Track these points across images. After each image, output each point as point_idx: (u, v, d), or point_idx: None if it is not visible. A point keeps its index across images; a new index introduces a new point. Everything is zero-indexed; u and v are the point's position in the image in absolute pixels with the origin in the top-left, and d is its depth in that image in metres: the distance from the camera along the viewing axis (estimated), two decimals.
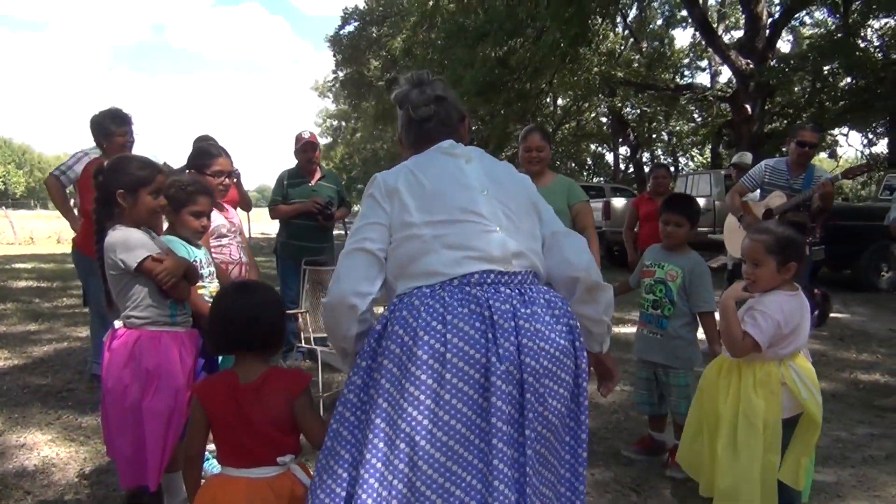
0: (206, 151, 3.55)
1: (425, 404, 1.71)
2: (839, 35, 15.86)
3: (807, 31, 23.33)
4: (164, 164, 4.47)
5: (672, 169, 29.24)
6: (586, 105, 27.78)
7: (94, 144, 4.57)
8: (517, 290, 1.84)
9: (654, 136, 29.95)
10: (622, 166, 32.01)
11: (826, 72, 15.88)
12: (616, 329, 7.30)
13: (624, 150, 31.10)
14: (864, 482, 3.46)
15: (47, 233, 23.07)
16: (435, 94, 2.05)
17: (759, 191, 5.25)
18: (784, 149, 16.03)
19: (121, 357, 2.60)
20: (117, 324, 2.69)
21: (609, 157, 35.45)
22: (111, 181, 2.63)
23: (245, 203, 5.52)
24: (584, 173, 36.73)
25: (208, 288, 3.07)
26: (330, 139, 55.52)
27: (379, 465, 1.72)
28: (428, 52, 21.13)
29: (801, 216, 4.68)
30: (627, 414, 4.47)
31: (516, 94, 19.85)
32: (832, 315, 8.26)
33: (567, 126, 31.21)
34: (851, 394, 5.05)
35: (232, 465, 2.01)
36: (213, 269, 3.11)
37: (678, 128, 28.79)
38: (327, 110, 52.41)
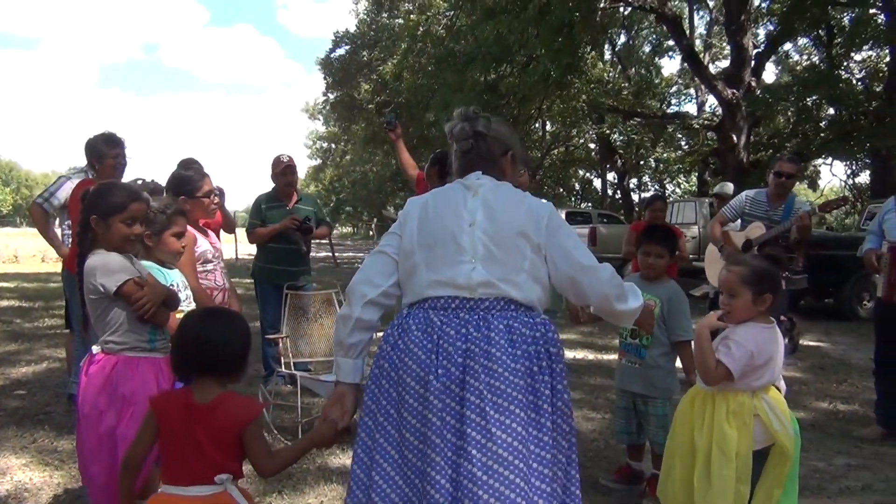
0: (189, 177, 3.59)
1: (393, 417, 2.09)
2: (822, 67, 16.13)
3: (792, 61, 23.70)
4: (152, 181, 4.49)
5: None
6: (574, 131, 28.03)
7: (80, 167, 4.63)
8: (478, 316, 2.08)
9: (641, 162, 30.21)
10: (609, 192, 32.23)
11: (809, 103, 16.11)
12: (600, 356, 7.32)
13: (612, 177, 31.35)
14: None
15: (32, 251, 22.88)
16: (475, 129, 2.25)
17: (739, 221, 5.30)
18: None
19: (97, 382, 2.59)
20: (95, 349, 2.68)
21: (597, 183, 35.70)
22: (88, 206, 2.64)
23: (228, 225, 5.51)
24: (572, 199, 36.94)
25: (186, 311, 3.07)
26: (319, 161, 55.66)
27: (384, 463, 2.08)
28: (418, 77, 21.30)
29: (777, 249, 4.73)
30: (608, 442, 4.47)
31: (505, 121, 19.99)
32: (813, 344, 8.38)
33: (556, 152, 31.43)
34: (830, 424, 5.07)
35: (171, 482, 2.03)
36: (189, 292, 3.11)
37: (665, 155, 29.05)
38: (317, 132, 52.59)
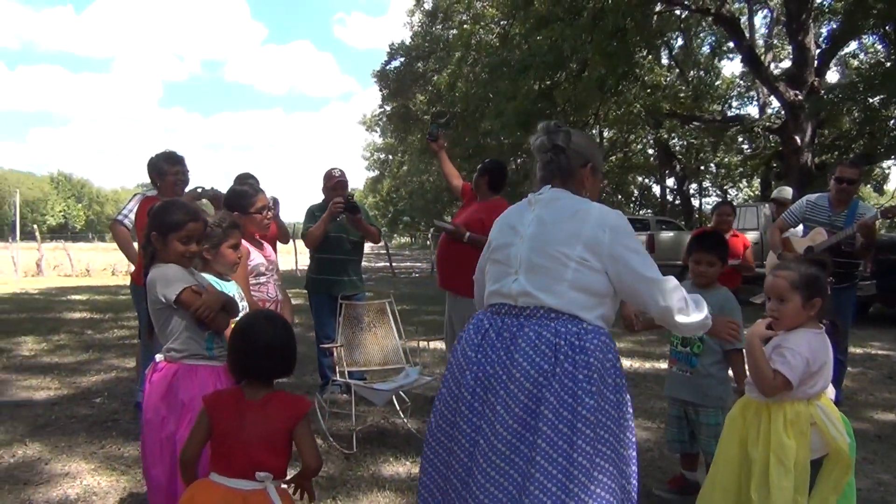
0: (244, 192, 3.71)
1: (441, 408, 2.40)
2: (889, 65, 15.57)
3: (856, 62, 22.95)
4: (212, 188, 4.66)
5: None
6: (632, 137, 27.69)
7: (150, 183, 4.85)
8: (518, 322, 2.26)
9: (701, 167, 29.64)
10: (669, 198, 31.69)
11: (876, 103, 15.55)
12: (656, 364, 7.21)
13: (671, 182, 30.84)
14: None
15: (103, 265, 23.80)
16: (553, 143, 2.39)
17: (801, 226, 5.17)
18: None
19: (159, 389, 2.72)
20: (158, 357, 2.81)
21: (656, 189, 35.15)
22: (151, 222, 2.78)
23: (284, 236, 5.65)
24: (631, 205, 36.46)
25: None
26: (377, 172, 56.32)
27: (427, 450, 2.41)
28: (472, 86, 21.39)
29: (823, 254, 4.62)
30: (662, 452, 4.42)
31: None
32: (882, 352, 8.09)
33: (613, 158, 31.11)
34: None
35: (217, 471, 2.17)
36: (245, 303, 3.22)
37: (726, 159, 28.43)
38: (374, 144, 53.30)
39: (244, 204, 3.65)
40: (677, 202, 29.67)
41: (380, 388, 4.59)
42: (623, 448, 2.20)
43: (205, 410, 2.23)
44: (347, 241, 5.48)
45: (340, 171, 5.51)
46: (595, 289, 2.24)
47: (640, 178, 36.19)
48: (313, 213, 5.54)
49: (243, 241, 3.50)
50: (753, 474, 2.55)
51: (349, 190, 5.41)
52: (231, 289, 3.16)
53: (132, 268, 5.02)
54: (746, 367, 2.73)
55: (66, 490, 3.67)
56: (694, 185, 30.83)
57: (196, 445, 2.25)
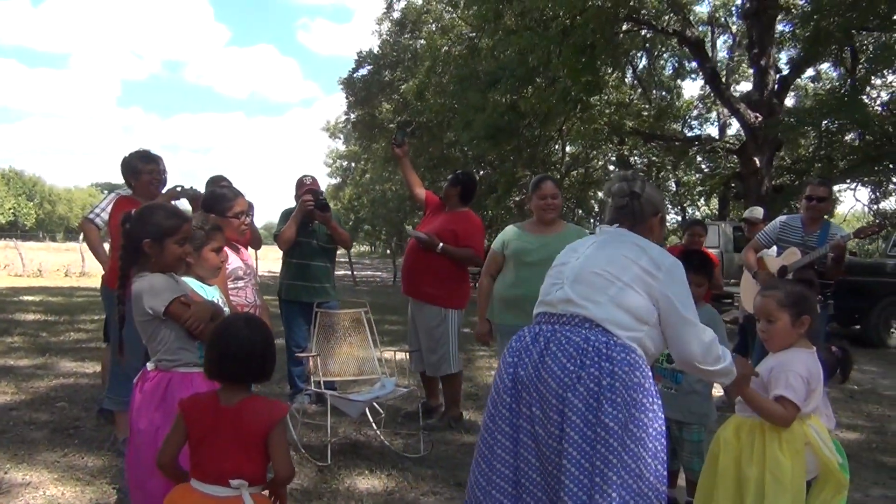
0: (223, 195, 3.61)
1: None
2: (845, 90, 16.01)
3: (813, 87, 23.59)
4: (192, 188, 4.53)
5: (680, 219, 29.34)
6: (595, 153, 27.97)
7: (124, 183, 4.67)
8: (552, 328, 2.35)
9: (661, 185, 30.07)
10: None
11: (833, 127, 15.98)
12: None
13: None
14: None
15: (55, 265, 23.14)
16: (632, 189, 2.55)
17: (775, 247, 5.26)
18: (795, 203, 16.06)
19: (152, 398, 2.62)
20: (149, 366, 2.71)
21: None
22: (139, 230, 2.67)
23: (256, 240, 5.53)
24: (591, 220, 36.82)
25: None
26: (339, 179, 55.87)
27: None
28: (440, 97, 21.38)
29: (808, 273, 4.69)
30: None
31: (526, 141, 20.02)
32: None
33: (575, 173, 31.38)
34: (863, 454, 4.98)
35: (195, 477, 2.13)
36: (227, 309, 3.13)
37: (686, 178, 28.90)
38: (337, 151, 52.88)
39: (222, 207, 3.55)
40: None
41: (355, 399, 4.51)
42: (644, 466, 2.20)
43: (180, 416, 2.18)
44: (318, 246, 5.39)
45: (312, 177, 5.44)
46: (636, 311, 2.33)
47: (600, 194, 36.56)
48: (287, 216, 5.45)
49: None
50: (748, 493, 2.54)
51: (323, 195, 5.31)
52: (214, 294, 3.07)
53: (87, 269, 4.84)
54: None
55: (29, 501, 3.51)
56: None
57: (172, 449, 2.20)
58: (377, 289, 22.27)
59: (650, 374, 2.33)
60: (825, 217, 5.11)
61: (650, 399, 2.27)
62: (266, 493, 2.22)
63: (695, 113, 27.81)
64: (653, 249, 2.45)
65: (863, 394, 7.09)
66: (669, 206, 32.84)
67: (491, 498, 2.32)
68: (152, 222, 2.66)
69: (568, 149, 29.32)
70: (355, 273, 24.29)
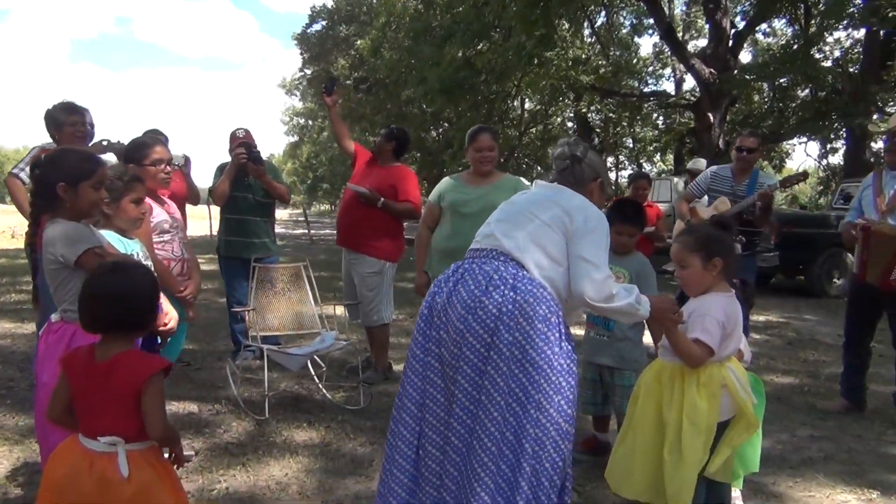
0: (141, 143, 3.50)
1: None
2: (797, 46, 16.16)
3: (768, 42, 23.75)
4: (118, 141, 4.38)
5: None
6: (553, 109, 27.94)
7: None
8: (472, 261, 2.45)
9: (618, 141, 30.24)
10: None
11: (784, 83, 16.15)
12: (573, 331, 7.28)
13: None
14: (801, 483, 3.52)
15: (1, 227, 22.48)
16: (573, 153, 2.65)
17: (706, 197, 5.33)
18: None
19: (56, 350, 2.53)
20: (54, 317, 2.63)
21: None
22: (50, 174, 2.55)
23: (194, 196, 5.42)
24: (551, 177, 36.92)
25: None
26: (296, 137, 55.06)
27: None
28: (395, 52, 21.09)
29: (725, 217, 4.82)
30: (577, 415, 4.48)
31: (482, 97, 19.89)
32: (783, 320, 8.46)
33: (534, 130, 31.35)
34: (795, 397, 5.13)
35: (81, 432, 2.08)
36: (150, 262, 3.05)
37: (642, 134, 29.09)
38: (294, 108, 51.95)
39: (140, 155, 3.43)
40: None
41: (294, 353, 4.49)
42: (545, 397, 2.26)
43: (63, 370, 2.12)
44: (254, 201, 5.29)
45: (245, 130, 5.29)
46: (550, 250, 2.41)
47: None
48: (222, 171, 5.33)
49: (146, 198, 3.32)
50: (667, 437, 2.58)
51: (256, 148, 5.19)
52: (135, 247, 3.00)
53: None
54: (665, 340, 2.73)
55: None
56: (611, 159, 31.41)
57: (58, 404, 2.13)
58: (334, 248, 22.06)
59: (560, 311, 2.36)
60: (754, 167, 5.18)
61: (556, 334, 2.30)
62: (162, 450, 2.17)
63: (651, 69, 27.85)
64: (579, 199, 2.53)
65: (802, 341, 7.28)
66: (626, 162, 33.10)
67: (401, 420, 2.43)
68: (65, 166, 2.55)
69: (527, 105, 29.25)
70: (312, 232, 24.06)
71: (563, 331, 2.35)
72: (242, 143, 5.16)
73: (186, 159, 5.19)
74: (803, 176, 5.66)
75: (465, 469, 2.24)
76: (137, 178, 3.07)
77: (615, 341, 3.57)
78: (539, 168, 35.67)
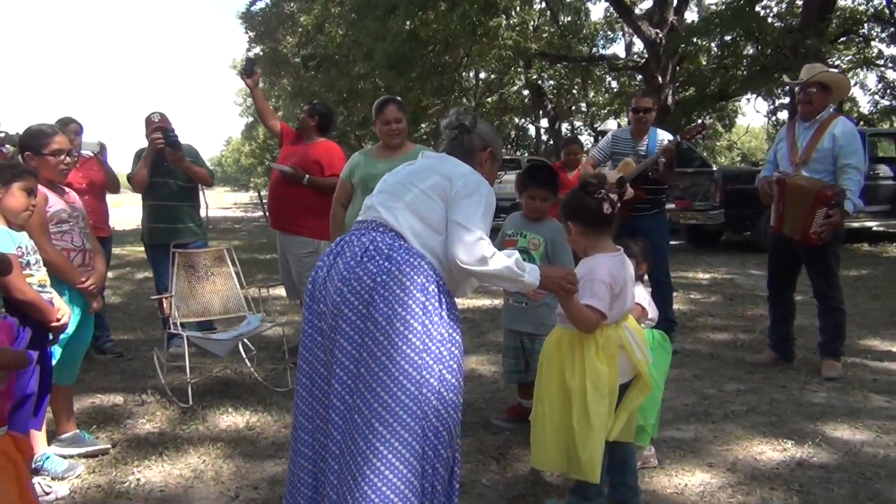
0: (38, 131, 3.35)
1: None
2: (740, 2, 16.22)
3: (712, 1, 23.81)
4: (16, 133, 4.19)
5: (593, 139, 29.59)
6: (507, 78, 27.78)
7: None
8: (352, 234, 2.41)
9: (572, 107, 30.24)
10: (544, 138, 32.19)
11: (729, 40, 16.23)
12: (487, 300, 7.25)
13: (545, 123, 31.31)
14: (721, 437, 3.56)
15: None
16: (461, 122, 2.58)
17: (610, 161, 5.35)
18: (695, 116, 16.27)
19: None
20: None
21: (532, 131, 35.63)
22: None
23: (112, 185, 5.27)
24: (508, 147, 36.89)
25: (36, 276, 2.93)
26: (251, 119, 54.09)
27: None
28: (340, 27, 20.72)
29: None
30: (505, 384, 4.49)
31: (432, 68, 19.68)
32: (727, 276, 8.57)
33: (490, 100, 31.17)
34: (728, 352, 5.21)
35: None
36: (38, 255, 2.95)
37: (596, 98, 29.10)
38: (246, 89, 51.04)
39: (37, 144, 3.29)
40: (551, 142, 30.21)
41: (218, 338, 4.41)
42: (426, 368, 2.22)
43: None
44: (176, 186, 5.16)
45: (160, 114, 5.14)
46: (430, 218, 2.35)
47: (516, 120, 36.52)
48: (140, 157, 5.19)
49: (41, 187, 3.20)
50: (573, 405, 2.56)
51: (174, 132, 5.05)
52: (20, 240, 2.88)
53: None
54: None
55: None
56: (566, 125, 31.45)
57: None
58: None
59: (440, 281, 2.32)
60: (650, 126, 5.21)
61: (435, 304, 2.26)
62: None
63: (601, 33, 27.79)
64: (464, 167, 2.48)
65: (743, 297, 7.38)
66: (582, 127, 33.17)
67: (297, 398, 2.42)
68: None
69: (482, 75, 29.04)
70: (269, 214, 23.80)
71: (444, 300, 2.30)
72: (159, 128, 5.02)
73: (102, 146, 5.03)
74: (701, 127, 5.74)
75: (349, 445, 2.20)
76: (26, 169, 2.95)
77: (533, 308, 3.55)
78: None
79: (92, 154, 5.02)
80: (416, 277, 2.24)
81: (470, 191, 2.36)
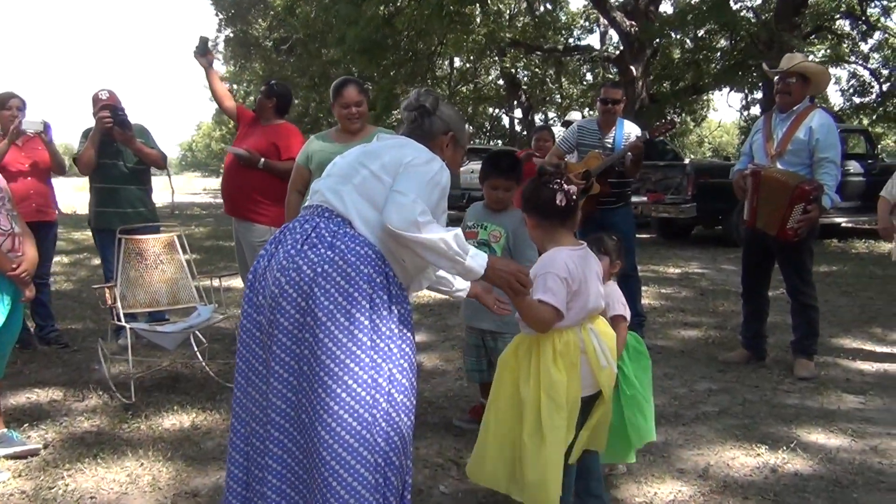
0: None
1: None
2: None
3: None
4: None
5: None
6: (481, 67, 27.57)
7: None
8: (297, 220, 2.21)
9: (546, 98, 30.10)
10: (518, 129, 32.03)
11: (701, 34, 16.18)
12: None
13: (519, 113, 31.15)
14: (692, 440, 3.40)
15: None
16: (420, 104, 2.36)
17: (576, 153, 5.18)
18: (668, 109, 16.23)
19: None
20: None
21: (506, 121, 35.48)
22: None
23: (58, 166, 4.98)
24: (482, 136, 36.71)
25: None
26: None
27: None
28: (312, 10, 20.32)
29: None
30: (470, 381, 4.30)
31: (405, 55, 19.39)
32: (698, 271, 8.47)
33: (465, 89, 30.94)
34: (699, 349, 5.06)
35: None
36: None
37: (570, 90, 28.99)
38: (219, 73, 50.27)
39: None
40: (525, 133, 30.06)
41: (165, 331, 4.16)
42: (373, 367, 2.04)
43: None
44: (126, 168, 4.88)
45: (109, 91, 4.84)
46: (379, 201, 2.12)
47: (490, 110, 36.32)
48: (87, 136, 4.90)
49: None
50: (525, 417, 2.28)
51: (123, 111, 4.77)
52: None
53: None
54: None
55: None
56: (539, 116, 31.31)
57: None
58: None
59: (389, 271, 2.11)
60: (618, 117, 5.05)
61: (382, 297, 2.07)
62: None
63: (577, 24, 27.67)
64: (421, 149, 2.26)
65: (715, 292, 7.26)
66: (555, 118, 33.06)
67: (234, 397, 2.22)
68: None
69: (457, 63, 28.78)
70: None
71: (393, 292, 2.10)
72: (106, 106, 4.73)
73: (46, 125, 4.72)
74: (671, 124, 5.58)
75: (292, 449, 2.00)
76: None
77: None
78: (469, 127, 35.42)
79: (35, 133, 4.71)
80: (362, 267, 2.04)
81: (415, 164, 2.16)
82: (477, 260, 2.11)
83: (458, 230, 2.13)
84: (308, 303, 2.00)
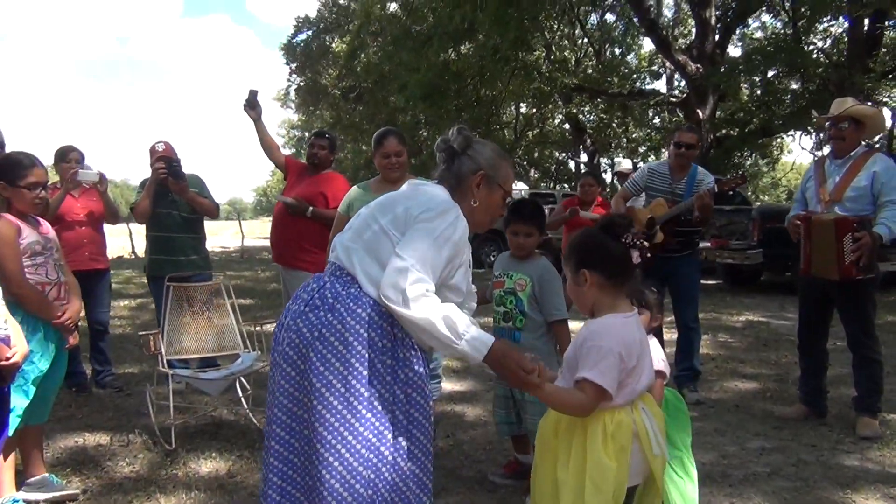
0: (17, 162, 3.22)
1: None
2: (785, 38, 15.87)
3: (756, 35, 23.40)
4: None
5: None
6: (546, 111, 27.63)
7: None
8: (314, 278, 2.19)
9: (612, 142, 29.88)
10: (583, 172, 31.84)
11: (771, 76, 15.84)
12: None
13: (584, 157, 31.00)
14: None
15: None
16: (448, 145, 2.26)
17: (643, 195, 5.04)
18: (736, 154, 15.82)
19: None
20: None
21: (572, 165, 35.34)
22: None
23: (112, 215, 5.18)
24: (547, 181, 36.63)
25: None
26: (294, 150, 54.86)
27: None
28: (375, 57, 20.85)
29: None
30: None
31: (467, 101, 19.63)
32: (763, 319, 8.13)
33: (530, 134, 31.05)
34: (755, 404, 4.83)
35: None
36: None
37: (635, 134, 28.72)
38: (290, 121, 51.64)
39: (13, 176, 3.16)
40: None
41: (209, 378, 4.22)
42: (374, 436, 1.98)
43: None
44: (180, 218, 5.03)
45: (165, 143, 5.03)
46: (385, 259, 2.05)
47: (556, 154, 36.28)
48: (144, 187, 5.09)
49: (11, 218, 3.08)
50: (563, 501, 2.01)
51: (177, 162, 4.94)
52: None
53: None
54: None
55: None
56: (605, 160, 31.07)
57: None
58: None
59: (397, 332, 2.03)
60: (692, 163, 4.90)
61: (387, 361, 2.00)
62: None
63: (646, 68, 27.53)
64: (435, 194, 2.17)
65: (777, 342, 6.95)
66: (620, 162, 32.72)
67: (265, 446, 2.16)
68: None
69: (523, 108, 28.94)
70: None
71: (399, 356, 2.02)
72: (162, 158, 4.91)
73: (101, 177, 4.92)
74: (741, 179, 5.34)
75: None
76: None
77: (524, 346, 3.26)
78: (534, 172, 35.45)
79: (91, 184, 4.93)
80: (361, 331, 1.98)
81: (425, 218, 2.05)
82: (474, 344, 1.97)
83: (454, 307, 2.02)
84: (306, 366, 1.99)
